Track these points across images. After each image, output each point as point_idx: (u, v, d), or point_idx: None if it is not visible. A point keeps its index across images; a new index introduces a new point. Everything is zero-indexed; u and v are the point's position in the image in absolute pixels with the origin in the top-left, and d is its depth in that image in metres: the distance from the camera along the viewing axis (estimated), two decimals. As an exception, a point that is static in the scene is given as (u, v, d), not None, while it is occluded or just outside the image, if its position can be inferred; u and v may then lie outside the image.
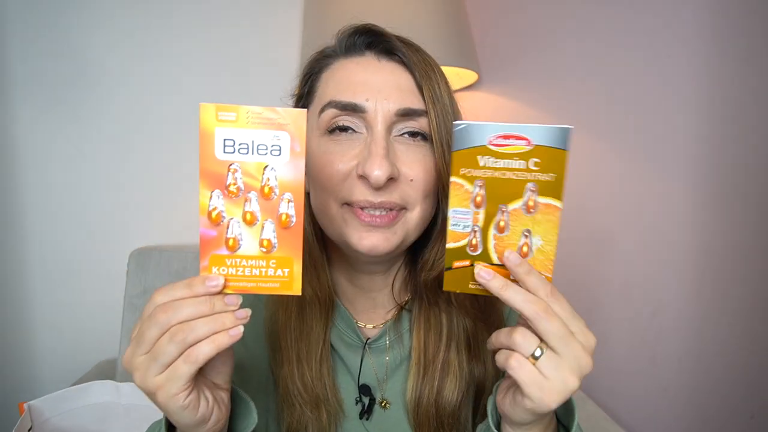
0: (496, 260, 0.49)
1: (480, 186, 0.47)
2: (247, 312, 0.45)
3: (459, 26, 1.27)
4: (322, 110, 0.60)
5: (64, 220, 1.39)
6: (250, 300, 0.70)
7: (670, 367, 1.12)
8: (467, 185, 0.48)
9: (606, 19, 1.21)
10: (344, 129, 0.59)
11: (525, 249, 0.48)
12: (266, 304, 0.69)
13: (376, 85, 0.58)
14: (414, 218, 0.60)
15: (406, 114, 0.58)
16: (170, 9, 1.41)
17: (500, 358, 0.48)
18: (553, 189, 0.46)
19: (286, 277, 0.46)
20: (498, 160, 0.46)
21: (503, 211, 0.48)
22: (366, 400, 0.66)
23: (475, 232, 0.48)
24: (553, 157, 0.45)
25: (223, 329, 0.43)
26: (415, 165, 0.58)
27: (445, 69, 1.30)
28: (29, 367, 1.41)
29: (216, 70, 1.45)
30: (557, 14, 1.32)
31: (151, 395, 0.44)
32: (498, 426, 0.54)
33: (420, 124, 0.59)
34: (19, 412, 0.87)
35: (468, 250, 0.49)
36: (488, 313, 0.66)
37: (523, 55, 1.41)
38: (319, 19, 1.26)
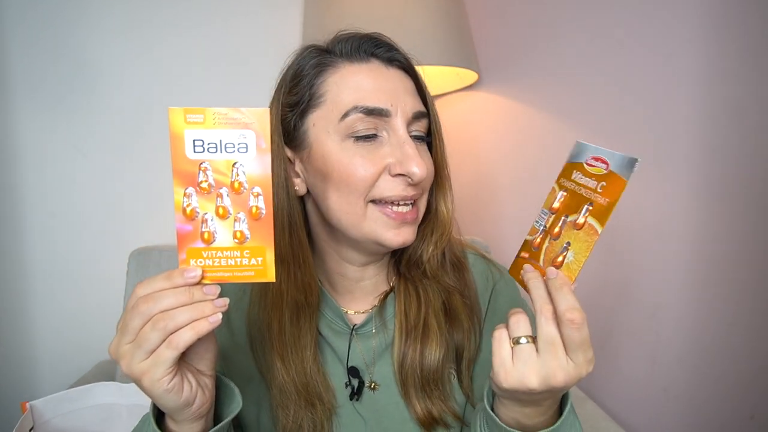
0: (541, 262, 0.53)
1: (563, 195, 0.53)
2: (225, 301, 0.47)
3: (459, 26, 1.27)
4: (345, 115, 0.61)
5: (64, 220, 1.39)
6: (240, 301, 0.72)
7: (670, 367, 1.12)
8: (558, 191, 0.54)
9: (606, 19, 1.21)
10: (372, 136, 0.62)
11: (560, 259, 0.52)
12: (250, 304, 0.70)
13: (394, 91, 0.63)
14: (421, 209, 0.66)
15: (418, 117, 0.64)
16: (170, 10, 1.42)
17: (493, 331, 0.52)
18: (602, 213, 0.49)
19: (260, 265, 0.49)
20: (583, 177, 0.52)
21: (563, 221, 0.52)
22: (355, 383, 0.69)
23: (543, 231, 0.54)
24: (615, 184, 0.49)
25: (202, 317, 0.46)
26: (427, 162, 0.65)
27: (445, 69, 1.31)
28: (29, 366, 1.41)
29: (216, 71, 1.45)
30: (557, 14, 1.32)
31: (137, 381, 0.47)
32: (492, 408, 0.57)
33: (424, 125, 0.66)
34: (22, 410, 0.87)
35: (532, 245, 0.55)
36: (461, 278, 0.72)
37: (523, 55, 1.41)
38: (320, 20, 1.26)
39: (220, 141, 0.47)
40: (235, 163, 0.47)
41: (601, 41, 1.21)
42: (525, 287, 0.53)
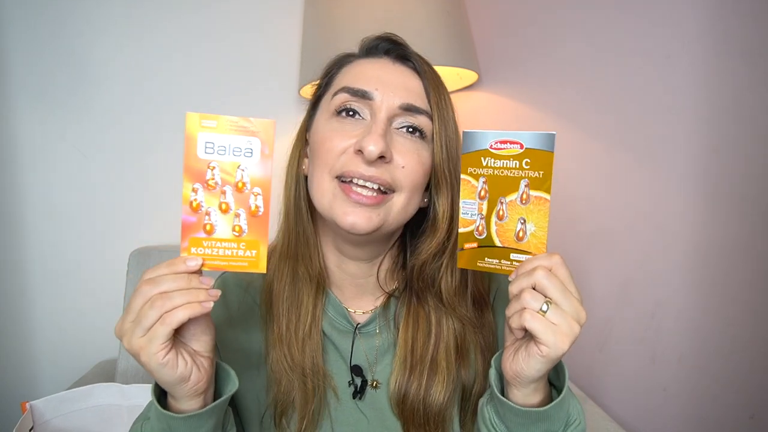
0: (498, 243, 0.58)
1: (483, 182, 0.57)
2: (217, 292, 0.53)
3: (459, 26, 1.27)
4: (335, 94, 0.66)
5: (64, 221, 1.39)
6: (246, 291, 0.74)
7: (669, 366, 1.12)
8: (473, 181, 0.58)
9: (606, 20, 1.21)
10: (351, 113, 0.65)
11: (521, 234, 0.56)
12: (264, 277, 0.73)
13: (387, 81, 0.66)
14: (398, 204, 0.65)
15: (408, 109, 0.65)
16: (171, 12, 1.42)
17: (514, 318, 0.54)
18: (542, 184, 0.54)
19: (254, 257, 0.54)
20: (497, 160, 0.56)
21: (502, 203, 0.57)
22: (358, 381, 0.70)
23: (480, 219, 0.58)
24: (541, 158, 0.54)
25: (196, 301, 0.51)
26: (408, 155, 0.64)
27: (445, 69, 1.31)
28: (29, 366, 1.41)
29: (216, 73, 1.45)
30: (557, 14, 1.32)
31: (136, 356, 0.51)
32: (502, 393, 0.59)
33: (419, 121, 0.66)
34: (22, 410, 0.87)
35: (475, 234, 0.59)
36: (480, 317, 0.71)
37: (523, 55, 1.41)
38: (320, 20, 1.26)
39: (229, 145, 0.53)
40: (239, 166, 0.53)
41: (601, 41, 1.22)
42: (493, 270, 0.58)
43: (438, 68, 1.23)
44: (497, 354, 0.61)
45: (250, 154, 0.53)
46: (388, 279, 0.73)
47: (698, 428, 1.09)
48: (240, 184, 0.53)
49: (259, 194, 0.54)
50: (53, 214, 1.39)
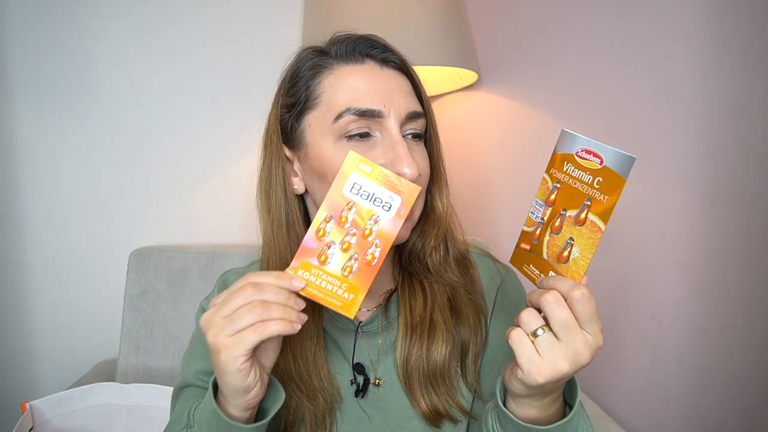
0: (545, 255, 0.55)
1: (557, 187, 0.54)
2: (304, 317, 0.53)
3: (459, 26, 1.27)
4: (339, 116, 0.63)
5: (64, 220, 1.40)
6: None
7: (669, 366, 1.12)
8: (550, 183, 0.55)
9: (606, 20, 1.21)
10: (364, 135, 0.63)
11: (566, 254, 0.53)
12: None
13: (388, 92, 0.64)
14: (418, 209, 0.67)
15: (412, 117, 0.64)
16: (170, 11, 1.42)
17: (507, 332, 0.53)
18: (603, 210, 0.49)
19: (349, 301, 0.55)
20: (576, 170, 0.52)
21: (562, 215, 0.53)
22: (360, 380, 0.70)
23: (541, 225, 0.56)
24: (613, 182, 0.49)
25: (289, 319, 0.51)
26: (421, 162, 0.65)
27: (445, 69, 1.31)
28: (29, 366, 1.41)
29: (216, 72, 1.45)
30: (557, 14, 1.32)
31: (215, 352, 0.51)
32: (504, 403, 0.58)
33: (419, 125, 0.66)
34: (21, 411, 0.87)
35: (531, 237, 0.57)
36: (465, 273, 0.73)
37: (523, 55, 1.41)
38: (320, 20, 1.26)
39: (373, 193, 0.56)
40: (374, 215, 0.56)
41: (602, 41, 1.22)
42: (531, 279, 0.56)
43: (438, 68, 1.25)
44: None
45: (387, 209, 0.56)
46: (392, 275, 0.74)
47: (698, 428, 1.09)
48: (368, 232, 0.56)
49: (378, 246, 0.56)
50: (53, 214, 1.39)
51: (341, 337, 0.71)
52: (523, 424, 0.55)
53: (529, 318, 0.51)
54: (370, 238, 0.55)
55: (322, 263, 0.55)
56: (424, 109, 0.67)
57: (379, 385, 0.70)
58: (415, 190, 0.56)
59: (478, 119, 1.51)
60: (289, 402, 0.66)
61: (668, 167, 1.10)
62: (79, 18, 1.36)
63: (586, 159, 0.51)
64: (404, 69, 0.67)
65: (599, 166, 0.50)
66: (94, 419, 0.92)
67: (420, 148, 0.66)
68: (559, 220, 0.53)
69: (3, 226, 1.36)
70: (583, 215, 0.51)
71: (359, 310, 0.72)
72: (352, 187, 0.55)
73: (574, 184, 0.52)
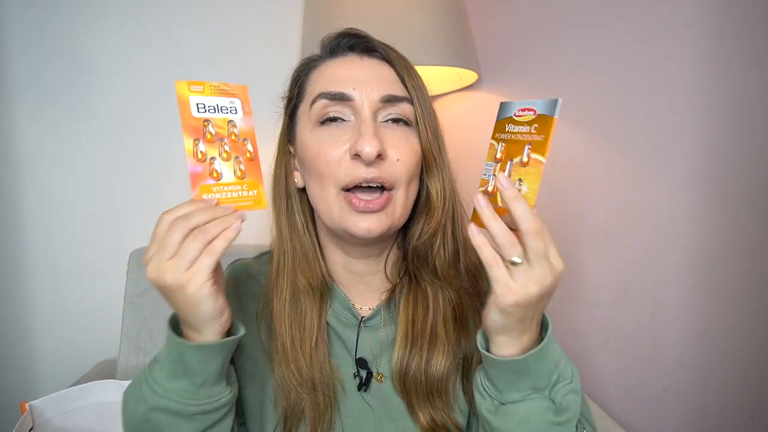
0: (499, 202, 0.58)
1: (503, 145, 0.60)
2: (242, 213, 0.57)
3: (459, 26, 1.27)
4: (313, 102, 0.66)
5: (64, 220, 1.40)
6: (248, 284, 0.75)
7: (669, 367, 1.12)
8: (496, 144, 0.61)
9: (607, 19, 1.21)
10: (334, 119, 0.65)
11: None
12: (260, 296, 0.73)
13: (361, 77, 0.66)
14: (401, 197, 0.66)
15: (389, 100, 0.65)
16: (169, 10, 1.42)
17: (485, 253, 0.54)
18: (541, 147, 0.56)
19: (256, 196, 0.61)
20: (515, 126, 0.59)
21: (510, 164, 0.59)
22: (363, 373, 0.71)
23: (492, 178, 0.60)
24: (545, 122, 0.56)
25: (228, 227, 0.54)
26: (400, 146, 0.65)
27: (445, 69, 1.31)
28: (29, 366, 1.41)
29: (216, 70, 1.45)
30: (558, 14, 1.32)
31: (181, 289, 0.53)
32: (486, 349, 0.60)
33: (401, 109, 0.67)
34: (21, 411, 0.87)
35: (486, 193, 0.61)
36: (474, 285, 0.73)
37: (523, 56, 1.41)
38: (320, 20, 1.26)
39: (217, 105, 0.60)
40: (230, 121, 0.61)
41: (602, 41, 1.22)
42: (484, 226, 0.58)
43: (438, 68, 1.25)
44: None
45: (235, 112, 0.61)
46: (394, 272, 0.74)
47: (698, 428, 1.09)
48: (233, 136, 0.60)
49: (248, 142, 0.61)
50: (53, 214, 1.39)
51: (345, 331, 0.71)
52: (502, 359, 0.56)
53: (511, 246, 0.53)
54: (238, 141, 0.61)
55: (217, 178, 0.59)
56: (410, 95, 0.67)
57: (381, 379, 0.71)
58: (244, 88, 0.62)
59: (478, 119, 1.51)
60: (289, 394, 0.67)
61: (668, 167, 1.10)
62: (79, 18, 1.36)
63: (523, 115, 0.59)
64: (388, 59, 0.68)
65: (534, 116, 0.58)
66: (94, 418, 0.92)
67: (400, 133, 0.66)
68: (507, 168, 0.59)
69: (3, 226, 1.36)
70: (526, 158, 0.57)
71: (362, 307, 0.74)
72: (197, 107, 0.60)
73: (516, 137, 0.59)
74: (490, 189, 0.60)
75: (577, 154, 1.27)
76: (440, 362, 0.68)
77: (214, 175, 0.59)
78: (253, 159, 0.61)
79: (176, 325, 0.60)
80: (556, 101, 0.56)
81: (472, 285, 0.72)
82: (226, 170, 0.60)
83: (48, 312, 1.40)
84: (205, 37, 1.44)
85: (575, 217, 1.28)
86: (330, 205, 0.65)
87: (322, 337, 0.69)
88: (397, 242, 0.74)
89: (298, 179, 0.71)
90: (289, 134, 0.72)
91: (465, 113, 1.55)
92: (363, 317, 0.72)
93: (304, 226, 0.71)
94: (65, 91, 1.37)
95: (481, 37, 1.42)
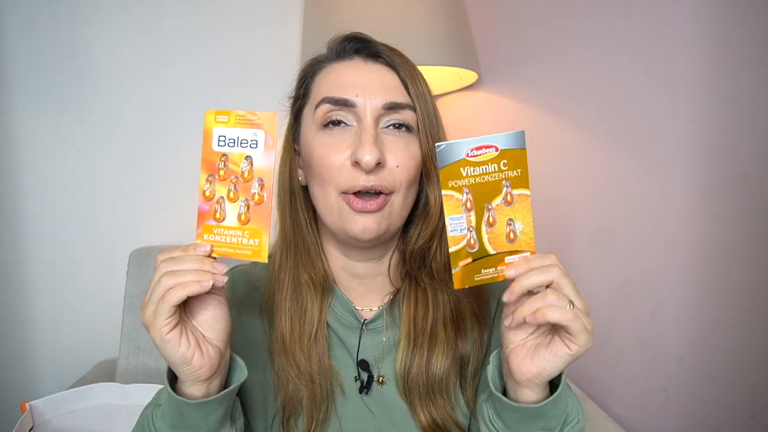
0: (491, 251, 0.57)
1: (467, 192, 0.56)
2: (224, 278, 0.54)
3: (459, 26, 1.27)
4: (317, 106, 0.67)
5: (65, 220, 1.39)
6: (248, 289, 0.75)
7: (669, 367, 1.12)
8: (457, 195, 0.56)
9: (606, 19, 1.21)
10: (337, 123, 0.66)
11: (512, 236, 0.56)
12: (264, 288, 0.74)
13: (364, 83, 0.66)
14: (398, 202, 0.66)
15: (392, 107, 0.65)
16: (172, 12, 1.42)
17: (554, 312, 0.52)
18: (522, 181, 0.55)
19: (256, 246, 0.57)
20: (476, 167, 0.55)
21: (489, 209, 0.56)
22: (365, 376, 0.71)
23: (471, 232, 0.56)
24: (516, 156, 0.55)
25: (197, 280, 0.53)
26: (399, 153, 0.65)
27: (445, 69, 1.31)
28: (29, 366, 1.41)
29: (217, 72, 1.45)
30: (557, 14, 1.32)
31: (147, 330, 0.54)
32: (501, 391, 0.59)
33: (403, 116, 0.66)
34: (21, 411, 0.87)
35: (468, 249, 0.57)
36: (471, 291, 0.72)
37: (523, 55, 1.41)
38: (320, 20, 1.26)
39: (238, 137, 0.57)
40: (247, 156, 0.57)
41: (602, 41, 1.21)
42: (492, 280, 0.57)
43: (438, 68, 1.24)
44: (495, 352, 0.61)
45: (255, 146, 0.57)
46: (396, 275, 0.74)
47: (698, 428, 1.09)
48: (246, 174, 0.57)
49: (263, 184, 0.57)
50: (53, 214, 1.39)
51: (346, 334, 0.72)
52: (522, 405, 0.56)
53: (558, 297, 0.52)
54: (250, 180, 0.57)
55: (220, 220, 0.57)
56: (413, 103, 0.67)
57: (383, 382, 0.71)
58: (272, 117, 0.57)
59: (478, 119, 1.51)
60: (288, 385, 0.68)
61: (668, 167, 1.10)
62: (79, 18, 1.36)
63: (480, 154, 0.55)
64: (392, 65, 0.68)
65: (496, 153, 0.55)
66: (94, 419, 0.92)
67: (401, 140, 0.66)
68: (488, 214, 0.56)
69: (3, 226, 1.36)
70: (509, 197, 0.55)
71: (363, 309, 0.74)
72: (218, 140, 0.57)
73: (483, 179, 0.55)
74: (471, 243, 0.56)
75: (576, 154, 1.27)
76: (440, 361, 0.68)
77: (217, 216, 0.57)
78: (263, 203, 0.57)
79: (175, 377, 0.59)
80: (520, 134, 0.55)
81: (469, 287, 0.72)
82: (231, 212, 0.57)
83: (48, 312, 1.40)
84: (205, 37, 1.44)
85: (575, 217, 1.28)
86: (330, 206, 0.66)
87: (321, 331, 0.70)
88: (397, 246, 0.74)
89: (302, 177, 0.72)
90: (294, 133, 0.73)
91: (465, 113, 1.55)
92: (365, 320, 0.72)
93: (307, 223, 0.72)
94: (65, 91, 1.37)
95: (481, 37, 1.42)
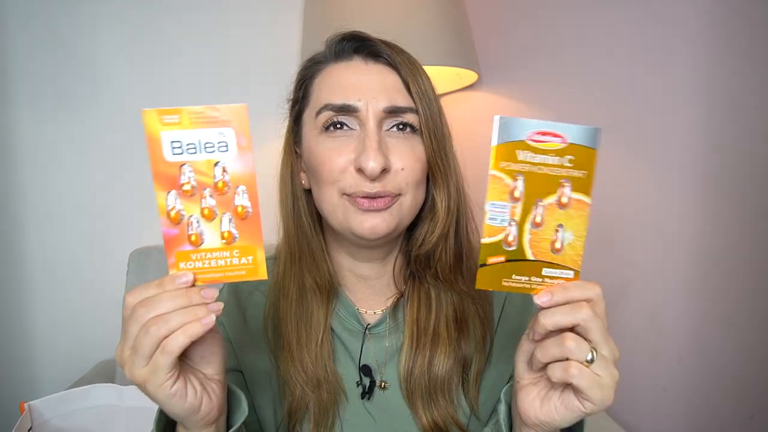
0: (530, 256, 0.48)
1: (521, 179, 0.47)
2: (219, 305, 0.47)
3: (459, 26, 1.27)
4: (319, 112, 0.65)
5: (65, 220, 1.39)
6: (252, 295, 0.74)
7: (669, 366, 1.12)
8: (507, 178, 0.48)
9: (606, 19, 1.21)
10: (339, 126, 0.64)
11: (557, 245, 0.49)
12: (267, 295, 0.73)
13: (366, 86, 0.64)
14: (407, 203, 0.65)
15: (394, 111, 0.64)
16: (171, 12, 1.42)
17: (555, 371, 0.48)
18: (584, 185, 0.48)
19: (251, 264, 0.48)
20: (536, 155, 0.47)
21: (539, 206, 0.48)
22: (367, 381, 0.70)
23: (512, 226, 0.48)
24: (584, 155, 0.48)
25: (195, 319, 0.45)
26: (404, 155, 0.64)
27: (445, 69, 1.31)
28: (29, 366, 1.41)
29: (216, 72, 1.45)
30: (557, 14, 1.32)
31: (141, 387, 0.47)
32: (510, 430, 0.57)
33: (407, 118, 0.65)
34: (20, 411, 0.87)
35: (504, 245, 0.49)
36: (473, 287, 0.70)
37: (523, 55, 1.41)
38: (320, 20, 1.26)
39: (199, 141, 0.46)
40: (216, 163, 0.46)
41: (601, 40, 1.21)
42: (522, 291, 0.50)
43: (438, 68, 1.24)
44: (507, 387, 0.60)
45: (225, 148, 0.46)
46: (400, 278, 0.73)
47: (698, 428, 1.09)
48: (220, 184, 0.46)
49: (244, 192, 0.47)
50: (53, 214, 1.39)
51: (349, 339, 0.71)
52: None
53: (579, 346, 0.46)
54: (227, 190, 0.46)
55: (196, 244, 0.47)
56: (415, 104, 0.65)
57: (384, 387, 0.70)
58: (241, 110, 0.46)
59: (478, 119, 1.51)
60: (294, 390, 0.67)
61: (668, 167, 1.10)
62: (79, 18, 1.36)
63: (545, 141, 0.47)
64: (393, 64, 0.66)
65: (564, 145, 0.48)
66: (92, 420, 0.92)
67: (405, 142, 0.64)
68: (535, 211, 0.48)
69: (3, 226, 1.36)
70: (564, 198, 0.48)
71: (367, 312, 0.73)
72: (172, 146, 0.45)
73: (540, 170, 0.47)
74: (510, 239, 0.48)
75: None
76: (443, 362, 0.67)
77: (193, 239, 0.47)
78: (248, 216, 0.47)
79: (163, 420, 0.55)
80: (594, 130, 0.47)
81: (473, 288, 0.71)
82: (209, 232, 0.47)
83: (48, 312, 1.40)
84: (206, 36, 1.44)
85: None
86: (334, 207, 0.64)
87: (327, 335, 0.69)
88: (402, 248, 0.73)
89: (304, 180, 0.70)
90: (295, 136, 0.71)
91: (464, 113, 1.55)
92: (368, 324, 0.71)
93: (311, 226, 0.70)
94: (65, 91, 1.37)
95: (481, 37, 1.42)
